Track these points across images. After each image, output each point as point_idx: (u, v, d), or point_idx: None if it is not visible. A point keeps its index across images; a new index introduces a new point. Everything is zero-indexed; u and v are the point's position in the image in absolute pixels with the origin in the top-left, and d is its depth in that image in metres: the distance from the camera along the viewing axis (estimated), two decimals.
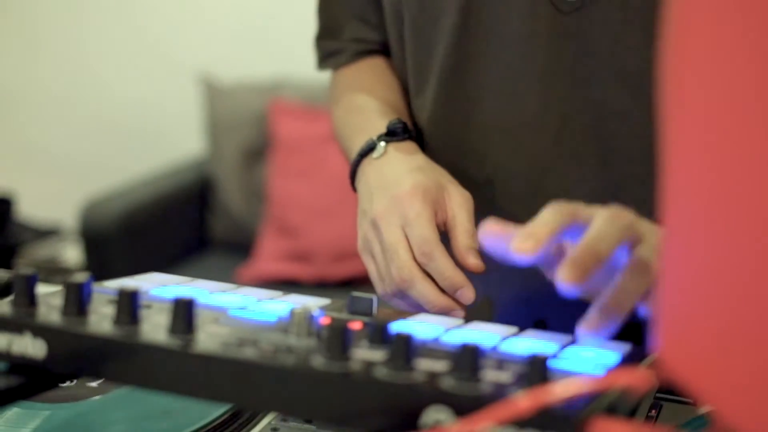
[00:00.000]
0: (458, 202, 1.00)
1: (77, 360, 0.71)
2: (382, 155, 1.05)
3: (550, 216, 0.77)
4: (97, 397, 1.00)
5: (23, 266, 3.26)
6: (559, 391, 0.59)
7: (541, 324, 1.05)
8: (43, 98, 3.82)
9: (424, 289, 0.95)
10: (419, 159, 1.04)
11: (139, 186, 3.24)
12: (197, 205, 3.35)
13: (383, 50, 1.22)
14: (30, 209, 3.63)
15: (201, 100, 3.40)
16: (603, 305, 0.76)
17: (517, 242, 0.75)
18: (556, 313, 1.02)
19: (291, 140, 3.12)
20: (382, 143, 1.06)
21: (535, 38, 1.02)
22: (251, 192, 3.25)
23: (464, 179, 1.04)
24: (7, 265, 3.24)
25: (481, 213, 1.01)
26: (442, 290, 0.95)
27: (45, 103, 3.82)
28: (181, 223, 3.35)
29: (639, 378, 0.61)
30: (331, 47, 1.26)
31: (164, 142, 3.63)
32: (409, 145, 1.07)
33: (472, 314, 1.08)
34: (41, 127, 3.84)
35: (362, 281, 2.85)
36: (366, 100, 1.16)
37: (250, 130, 3.25)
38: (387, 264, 0.97)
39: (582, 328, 0.75)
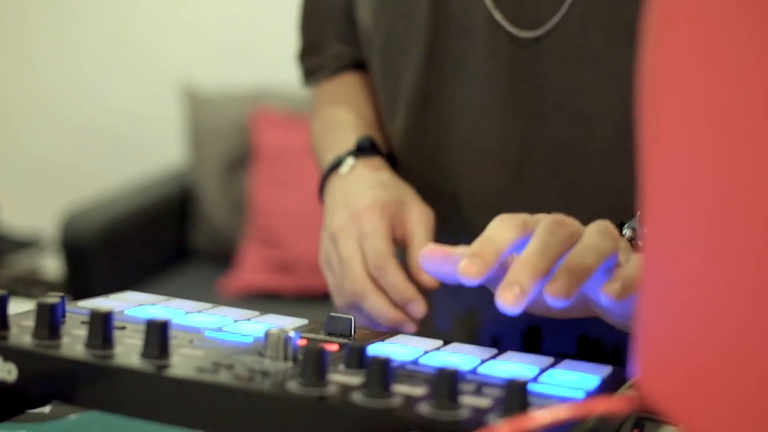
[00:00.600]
0: (417, 218, 1.00)
1: (49, 384, 0.70)
2: (348, 171, 1.05)
3: (496, 232, 0.77)
4: (73, 416, 0.98)
5: (5, 281, 3.24)
6: (539, 418, 0.58)
7: (534, 331, 1.04)
8: (23, 106, 3.81)
9: (376, 303, 0.95)
10: (384, 175, 1.04)
11: (120, 197, 3.23)
12: (179, 215, 3.34)
13: (363, 65, 1.22)
14: (9, 217, 3.61)
15: (183, 109, 3.39)
16: (568, 264, 0.74)
17: (463, 264, 0.75)
18: (546, 320, 1.02)
19: (273, 150, 3.11)
20: (350, 159, 1.06)
21: (495, 72, 1.02)
22: (233, 202, 3.24)
23: (437, 195, 1.04)
24: None
25: (454, 238, 1.01)
26: (396, 304, 0.95)
27: (25, 110, 3.81)
28: (162, 233, 3.33)
29: (619, 404, 0.60)
30: (313, 64, 1.26)
31: (146, 150, 3.62)
32: (377, 162, 1.07)
33: (457, 327, 1.08)
34: (21, 135, 3.82)
35: None
36: (341, 115, 1.16)
37: (232, 139, 3.24)
38: (342, 277, 0.98)
39: (548, 292, 0.73)
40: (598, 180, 0.99)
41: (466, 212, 1.06)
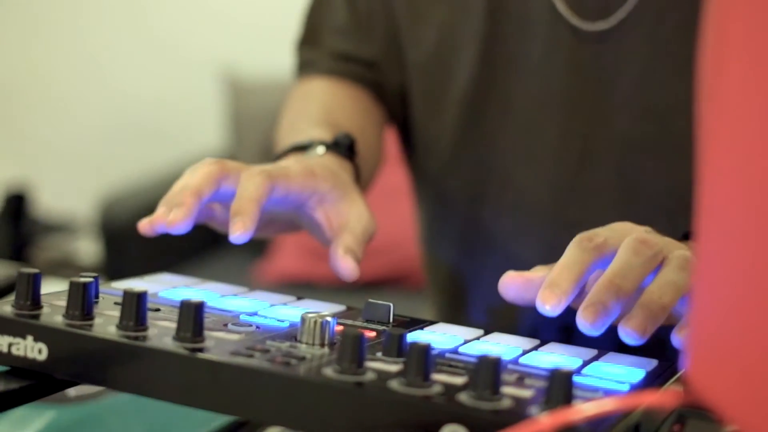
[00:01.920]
0: (361, 214, 0.91)
1: (79, 365, 0.69)
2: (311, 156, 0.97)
3: (573, 257, 0.74)
4: (102, 399, 0.97)
5: (38, 264, 3.25)
6: (584, 410, 0.56)
7: (567, 330, 1.02)
8: (64, 89, 3.81)
9: (194, 173, 0.88)
10: (347, 173, 0.96)
11: (159, 182, 3.22)
12: None
13: (359, 76, 1.15)
14: (46, 200, 3.61)
15: (222, 97, 3.38)
16: (645, 300, 0.72)
17: (542, 295, 0.73)
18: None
19: None
20: (321, 148, 0.98)
21: (556, 68, 0.99)
22: None
23: (487, 202, 1.01)
24: (21, 260, 3.23)
25: (503, 238, 0.98)
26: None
27: (66, 93, 3.81)
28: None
29: (665, 397, 0.58)
30: (308, 57, 1.21)
31: (185, 137, 3.61)
32: (346, 165, 0.98)
33: (495, 321, 1.06)
34: (61, 121, 3.83)
35: (384, 284, 2.82)
36: (318, 115, 1.08)
37: (272, 127, 3.22)
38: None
39: (624, 327, 0.71)
40: (666, 178, 0.97)
41: (517, 212, 1.04)
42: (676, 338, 0.73)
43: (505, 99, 1.03)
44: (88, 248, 3.50)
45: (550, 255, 0.79)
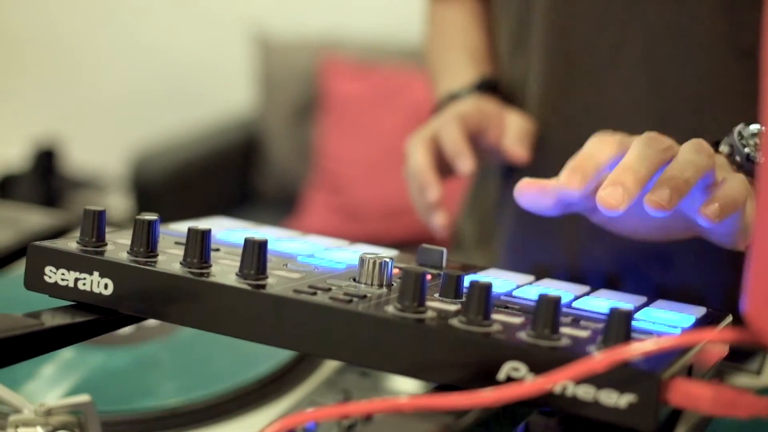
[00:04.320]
0: (516, 117, 1.06)
1: (144, 300, 0.70)
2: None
3: (594, 148, 0.76)
4: (151, 342, 0.99)
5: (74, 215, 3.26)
6: (642, 347, 0.58)
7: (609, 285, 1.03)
8: (95, 46, 3.82)
9: (420, 155, 1.01)
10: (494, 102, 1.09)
11: (189, 140, 3.24)
12: (246, 160, 3.35)
13: None
14: (78, 158, 3.63)
15: (253, 56, 3.39)
16: (668, 176, 0.73)
17: (564, 176, 0.74)
18: (622, 274, 1.01)
19: (343, 98, 3.11)
20: (468, 95, 1.10)
21: None
22: (300, 149, 3.24)
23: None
24: None
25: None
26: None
27: (97, 50, 3.82)
28: (229, 178, 3.35)
29: (723, 335, 0.59)
30: None
31: (214, 95, 3.62)
32: (492, 98, 1.11)
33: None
34: (91, 78, 3.84)
35: (412, 243, 2.83)
36: (458, 43, 1.22)
37: (302, 86, 3.24)
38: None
39: (649, 201, 0.71)
40: (690, 67, 0.99)
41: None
42: (702, 217, 0.73)
43: None
44: (118, 204, 3.51)
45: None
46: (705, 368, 0.68)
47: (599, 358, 0.58)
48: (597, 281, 1.02)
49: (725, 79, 0.98)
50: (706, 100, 0.99)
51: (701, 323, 0.72)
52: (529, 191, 0.78)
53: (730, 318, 0.75)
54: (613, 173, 0.72)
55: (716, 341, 0.59)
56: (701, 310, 0.76)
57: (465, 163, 1.00)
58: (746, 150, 0.82)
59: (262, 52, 3.31)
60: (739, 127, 0.84)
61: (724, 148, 0.84)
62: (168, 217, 2.80)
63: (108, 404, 0.85)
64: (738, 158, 0.82)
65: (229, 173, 3.35)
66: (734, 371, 0.93)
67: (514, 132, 1.04)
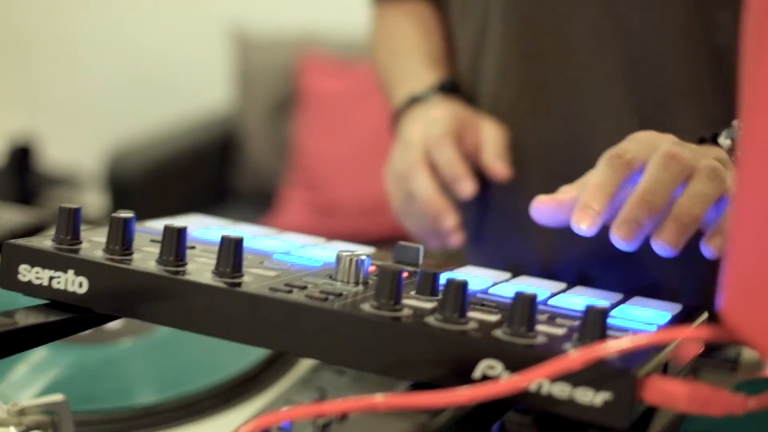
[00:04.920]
0: (492, 127, 1.05)
1: (119, 298, 0.70)
2: (430, 105, 1.08)
3: (603, 176, 0.76)
4: (125, 341, 0.98)
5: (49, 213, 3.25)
6: (617, 344, 0.58)
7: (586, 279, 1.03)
8: (71, 41, 3.81)
9: (424, 182, 0.99)
10: (464, 106, 1.08)
11: (166, 137, 3.23)
12: (223, 157, 3.34)
13: None
14: (53, 155, 3.62)
15: (230, 52, 3.38)
16: (676, 213, 0.74)
17: (577, 217, 0.74)
18: (597, 274, 1.01)
19: (320, 94, 3.10)
20: (432, 97, 1.08)
21: None
22: (277, 146, 3.23)
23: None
24: None
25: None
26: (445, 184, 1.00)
27: (73, 46, 3.81)
28: (206, 175, 3.34)
29: (699, 332, 0.59)
30: None
31: (191, 92, 3.61)
32: (457, 100, 1.09)
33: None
34: (68, 74, 3.83)
35: (390, 240, 2.83)
36: (411, 45, 1.19)
37: (279, 83, 3.24)
38: (402, 160, 1.02)
39: (657, 240, 0.73)
40: (666, 67, 1.00)
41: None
42: (706, 247, 0.75)
43: None
44: (94, 201, 3.50)
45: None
46: (681, 365, 0.69)
47: (575, 356, 0.58)
48: (572, 279, 1.03)
49: (701, 78, 0.98)
50: (682, 99, 0.99)
51: (677, 320, 0.72)
52: (545, 208, 0.78)
53: (705, 314, 0.76)
54: (627, 206, 0.73)
55: (691, 339, 0.60)
56: (677, 307, 0.76)
57: (466, 187, 0.99)
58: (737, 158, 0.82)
59: (240, 49, 3.30)
60: (737, 122, 0.84)
61: (725, 141, 0.84)
62: (144, 215, 2.77)
63: (82, 403, 0.84)
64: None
65: (206, 170, 3.34)
66: (710, 367, 0.94)
67: (492, 145, 1.03)
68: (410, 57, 1.17)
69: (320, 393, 0.87)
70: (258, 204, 3.23)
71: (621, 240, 0.72)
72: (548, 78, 1.04)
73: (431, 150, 1.01)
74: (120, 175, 3.03)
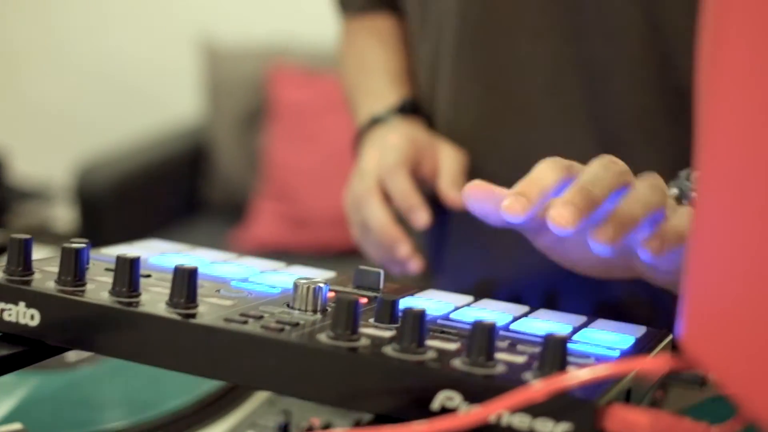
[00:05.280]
0: (449, 154, 1.03)
1: (72, 330, 0.68)
2: (390, 127, 1.07)
3: (542, 172, 0.74)
4: (87, 366, 0.97)
5: (16, 230, 3.23)
6: (577, 376, 0.57)
7: (551, 297, 1.02)
8: (37, 54, 3.78)
9: (377, 210, 0.98)
10: (422, 130, 1.07)
11: (135, 149, 3.21)
12: (193, 169, 3.32)
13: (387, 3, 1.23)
14: (21, 166, 3.59)
15: (199, 63, 3.36)
16: (616, 213, 0.72)
17: (507, 201, 0.72)
18: (564, 286, 1.00)
19: (290, 105, 3.09)
20: (392, 118, 1.07)
21: None
22: (248, 157, 3.22)
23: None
24: None
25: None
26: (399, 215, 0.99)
27: (39, 59, 3.78)
28: (176, 187, 3.32)
29: (658, 363, 0.58)
30: None
31: (160, 103, 3.60)
32: (417, 121, 1.08)
33: (476, 292, 1.06)
34: (34, 84, 3.80)
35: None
36: (375, 62, 1.18)
37: (249, 94, 3.22)
38: (356, 188, 1.01)
39: (594, 236, 0.71)
40: (627, 101, 0.99)
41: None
42: (643, 250, 0.73)
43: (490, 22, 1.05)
44: (64, 215, 3.48)
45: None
46: (646, 387, 0.68)
47: (538, 387, 0.57)
48: (539, 295, 1.02)
49: (661, 118, 0.98)
50: (640, 136, 0.98)
51: (640, 344, 0.71)
52: (477, 195, 0.76)
53: (670, 337, 0.75)
54: (567, 192, 0.72)
55: (650, 370, 0.59)
56: (641, 330, 0.75)
57: (420, 218, 0.98)
58: (694, 194, 0.82)
59: (209, 60, 3.29)
60: (686, 171, 0.84)
61: (672, 190, 0.84)
62: (114, 228, 2.77)
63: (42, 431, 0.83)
64: (685, 202, 0.82)
65: (176, 182, 3.32)
66: (680, 382, 0.93)
67: (448, 173, 1.02)
68: (374, 74, 1.17)
69: (285, 416, 0.85)
70: (229, 216, 3.21)
71: (557, 223, 0.69)
72: (505, 109, 1.03)
73: (385, 179, 0.99)
74: (89, 189, 3.00)
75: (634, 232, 0.73)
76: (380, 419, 0.63)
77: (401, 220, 1.00)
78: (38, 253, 1.28)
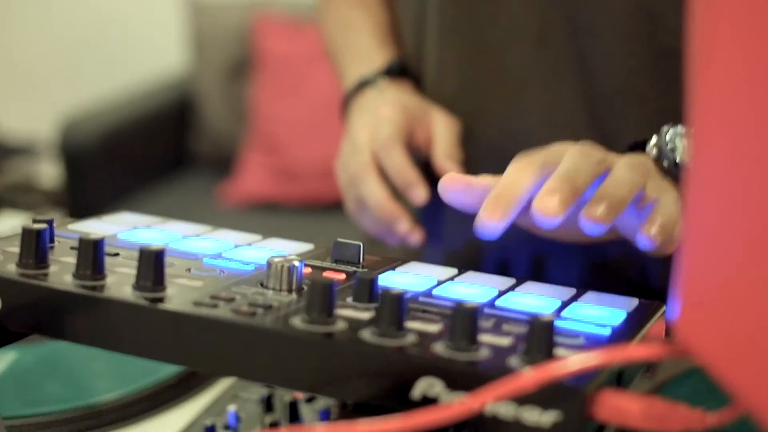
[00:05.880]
0: (443, 122, 1.00)
1: (35, 316, 0.65)
2: (379, 91, 1.04)
3: (516, 175, 0.72)
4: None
5: (1, 188, 3.20)
6: (567, 365, 0.54)
7: (540, 260, 0.99)
8: (24, 11, 3.73)
9: (374, 187, 0.95)
10: (413, 95, 1.04)
11: (120, 103, 3.16)
12: (179, 122, 3.28)
13: None
14: (5, 122, 3.55)
15: (183, 16, 3.31)
16: (602, 192, 0.71)
17: (485, 212, 0.70)
18: (553, 248, 0.97)
19: (276, 56, 3.05)
20: (381, 81, 1.04)
21: None
22: (234, 109, 3.18)
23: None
24: None
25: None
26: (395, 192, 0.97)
27: (26, 16, 3.73)
28: (162, 141, 3.28)
29: (651, 351, 0.55)
30: None
31: (145, 57, 3.55)
32: (406, 85, 1.05)
33: (458, 260, 1.03)
34: (19, 39, 3.75)
35: None
36: (358, 20, 1.14)
37: (234, 45, 3.18)
38: (351, 162, 0.98)
39: (586, 215, 0.69)
40: (610, 60, 0.96)
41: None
42: (643, 238, 0.72)
43: None
44: (50, 171, 3.44)
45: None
46: (638, 368, 0.65)
47: (527, 378, 0.53)
48: (528, 259, 0.99)
49: (648, 79, 0.94)
50: (629, 98, 0.95)
51: (631, 320, 0.68)
52: (454, 188, 0.74)
53: (663, 309, 0.72)
54: (549, 182, 0.70)
55: (642, 359, 0.56)
56: (632, 303, 0.72)
57: (418, 194, 0.95)
58: (674, 155, 0.81)
59: (193, 12, 3.23)
60: (666, 128, 0.82)
61: (652, 151, 0.81)
62: (100, 183, 2.73)
63: (13, 409, 0.80)
64: (665, 163, 0.80)
65: (163, 136, 3.28)
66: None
67: (442, 144, 0.98)
68: (359, 32, 1.13)
69: (268, 388, 0.83)
70: (217, 169, 3.18)
71: (545, 212, 0.68)
72: (492, 69, 1.00)
73: (380, 155, 0.96)
74: (74, 144, 2.96)
75: (622, 213, 0.71)
76: (361, 404, 0.61)
77: (397, 194, 0.97)
78: (19, 217, 1.25)
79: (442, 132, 0.99)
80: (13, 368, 0.90)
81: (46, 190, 3.38)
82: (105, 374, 0.89)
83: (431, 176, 0.97)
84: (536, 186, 0.71)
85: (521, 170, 0.72)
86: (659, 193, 0.76)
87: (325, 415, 0.76)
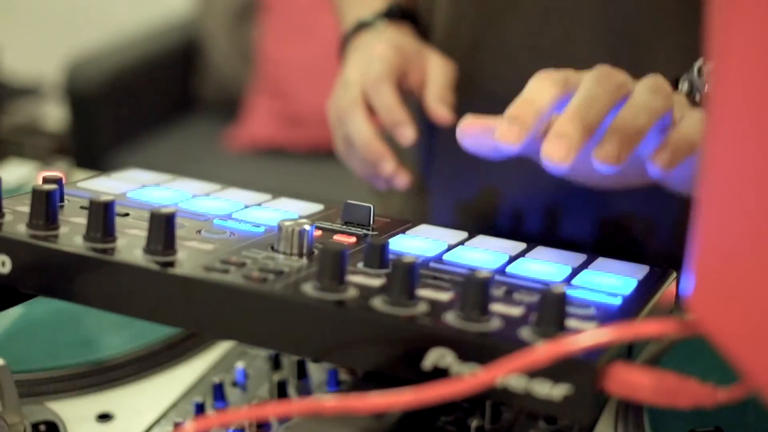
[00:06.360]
0: (438, 63, 0.98)
1: (44, 278, 0.65)
2: (377, 33, 1.01)
3: (535, 91, 0.69)
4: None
5: (8, 129, 3.19)
6: (579, 341, 0.53)
7: (552, 213, 0.98)
8: None
9: (361, 124, 0.93)
10: (410, 37, 1.01)
11: (126, 45, 3.14)
12: (185, 65, 3.26)
13: None
14: (11, 62, 3.54)
15: None
16: (618, 127, 0.67)
17: (501, 130, 0.67)
18: (566, 201, 0.97)
19: (284, 0, 3.03)
20: (379, 23, 1.01)
21: None
22: (241, 52, 3.15)
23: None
24: None
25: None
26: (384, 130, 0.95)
27: None
28: (168, 83, 3.26)
29: (664, 328, 0.55)
30: None
31: None
32: (405, 27, 1.03)
33: (477, 203, 1.02)
34: None
35: None
36: None
37: None
38: (341, 98, 0.95)
39: (597, 156, 0.66)
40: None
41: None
42: (652, 165, 0.69)
43: None
44: (55, 113, 3.43)
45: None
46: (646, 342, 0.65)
47: (539, 353, 0.53)
48: (541, 209, 0.98)
49: (672, 6, 0.92)
50: (653, 32, 0.93)
51: (643, 288, 0.68)
52: (472, 132, 0.71)
53: (674, 276, 0.71)
54: (558, 122, 0.66)
55: (654, 335, 0.55)
56: (643, 270, 0.71)
57: (406, 133, 0.92)
58: (707, 87, 0.77)
59: None
60: (699, 62, 0.79)
61: (683, 85, 0.78)
62: (105, 125, 2.71)
63: (24, 362, 0.80)
64: (697, 96, 0.77)
65: (169, 79, 3.26)
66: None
67: (435, 86, 0.96)
68: None
69: None
70: (223, 113, 3.16)
71: (552, 158, 0.65)
72: (511, 11, 0.98)
73: (369, 92, 0.93)
74: (79, 85, 2.94)
75: (640, 144, 0.68)
76: (371, 372, 0.61)
77: (386, 134, 0.95)
78: (21, 169, 1.24)
79: (436, 75, 0.97)
80: (24, 321, 0.90)
81: (51, 133, 3.37)
82: (115, 329, 0.89)
83: (428, 121, 0.96)
84: (557, 102, 0.69)
85: (541, 87, 0.69)
86: (684, 112, 0.73)
87: (333, 375, 0.76)
